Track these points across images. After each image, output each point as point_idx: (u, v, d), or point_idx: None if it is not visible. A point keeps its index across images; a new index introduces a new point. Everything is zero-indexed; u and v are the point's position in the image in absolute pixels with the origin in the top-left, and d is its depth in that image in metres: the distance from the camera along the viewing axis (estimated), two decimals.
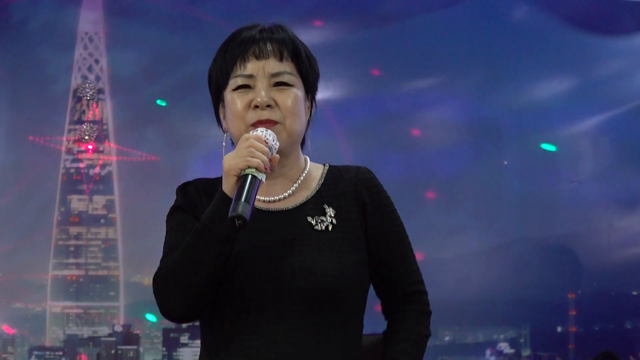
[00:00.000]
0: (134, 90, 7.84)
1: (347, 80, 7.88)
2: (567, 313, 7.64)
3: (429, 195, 8.13)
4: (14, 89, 7.72)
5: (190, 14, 7.81)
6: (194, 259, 1.61)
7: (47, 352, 7.39)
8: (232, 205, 1.51)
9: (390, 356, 1.68)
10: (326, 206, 1.69)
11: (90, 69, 7.88)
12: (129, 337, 7.45)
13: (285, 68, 1.68)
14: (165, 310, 1.65)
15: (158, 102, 7.81)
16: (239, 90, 1.66)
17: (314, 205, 1.69)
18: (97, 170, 7.76)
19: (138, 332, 7.57)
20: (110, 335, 7.45)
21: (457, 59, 7.92)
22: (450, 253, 7.88)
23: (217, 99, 1.73)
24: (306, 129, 1.75)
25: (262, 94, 1.64)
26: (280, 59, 1.68)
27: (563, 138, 7.94)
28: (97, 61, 7.87)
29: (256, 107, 1.64)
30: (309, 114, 1.74)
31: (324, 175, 1.74)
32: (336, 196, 1.71)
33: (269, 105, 1.65)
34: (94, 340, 7.48)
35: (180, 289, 1.62)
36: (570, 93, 8.01)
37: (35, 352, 7.35)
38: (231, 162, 1.57)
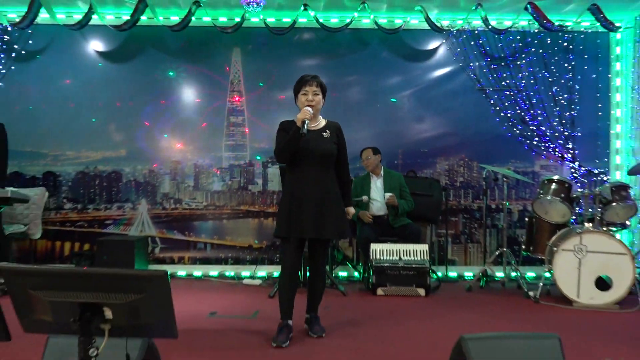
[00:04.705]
0: None
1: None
2: None
3: None
4: None
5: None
6: (288, 144, 4.63)
7: None
8: (301, 128, 4.59)
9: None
10: (326, 130, 4.90)
11: None
12: None
13: (317, 89, 4.84)
14: (279, 161, 4.72)
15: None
16: (302, 93, 4.85)
17: (323, 130, 4.88)
18: None
19: None
20: None
21: None
22: None
23: (296, 96, 4.90)
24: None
25: (309, 97, 4.80)
26: (317, 86, 4.86)
27: None
28: None
29: (307, 100, 4.81)
30: (323, 103, 4.94)
31: (326, 122, 4.97)
32: (329, 128, 4.93)
33: (311, 101, 4.79)
34: None
35: (284, 154, 4.67)
36: None
37: None
38: (299, 116, 4.67)
